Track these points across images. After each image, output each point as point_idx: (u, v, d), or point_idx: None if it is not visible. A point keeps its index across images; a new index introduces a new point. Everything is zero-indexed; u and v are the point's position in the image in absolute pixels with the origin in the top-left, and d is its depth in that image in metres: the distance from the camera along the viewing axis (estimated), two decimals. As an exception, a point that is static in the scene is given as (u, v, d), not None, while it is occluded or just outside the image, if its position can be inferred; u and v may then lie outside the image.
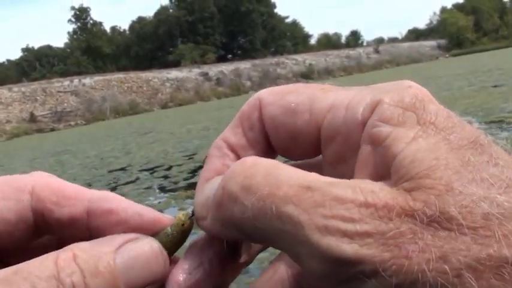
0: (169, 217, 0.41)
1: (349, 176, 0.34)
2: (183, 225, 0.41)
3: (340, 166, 0.37)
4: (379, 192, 0.31)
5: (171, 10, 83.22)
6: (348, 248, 0.30)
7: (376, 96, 0.35)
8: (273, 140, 0.41)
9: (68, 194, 0.41)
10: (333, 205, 0.31)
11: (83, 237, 0.40)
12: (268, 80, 56.74)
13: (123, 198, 0.41)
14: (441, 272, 0.28)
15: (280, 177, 0.34)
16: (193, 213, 0.41)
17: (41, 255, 0.37)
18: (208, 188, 0.39)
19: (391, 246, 0.29)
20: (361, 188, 0.31)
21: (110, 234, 0.39)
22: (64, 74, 63.19)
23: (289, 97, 0.40)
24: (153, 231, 0.40)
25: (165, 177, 10.25)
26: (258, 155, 0.39)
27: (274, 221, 0.32)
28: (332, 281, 0.31)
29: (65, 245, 0.38)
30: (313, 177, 0.33)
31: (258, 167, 0.35)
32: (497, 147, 0.33)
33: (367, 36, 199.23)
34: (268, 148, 0.41)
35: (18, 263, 0.36)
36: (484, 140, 0.33)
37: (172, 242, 0.41)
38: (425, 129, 0.33)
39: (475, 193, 0.29)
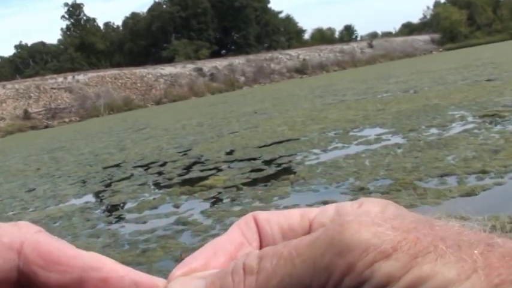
0: (163, 281, 0.40)
1: None
2: None
3: None
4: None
5: (164, 6, 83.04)
6: (366, 233, 0.33)
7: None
8: (265, 240, 0.42)
9: (58, 259, 0.39)
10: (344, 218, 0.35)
11: None
12: (262, 75, 56.75)
13: (118, 264, 0.40)
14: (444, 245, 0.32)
15: (283, 245, 0.37)
16: None
17: None
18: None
19: (402, 232, 0.33)
20: None
21: None
22: (58, 70, 63.07)
23: (279, 211, 0.44)
24: None
25: (160, 173, 10.27)
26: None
27: (296, 259, 0.34)
28: (360, 267, 0.33)
29: None
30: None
31: (263, 250, 0.38)
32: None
33: (361, 31, 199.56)
34: (260, 248, 0.42)
35: None
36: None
37: None
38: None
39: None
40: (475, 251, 0.32)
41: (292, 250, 0.35)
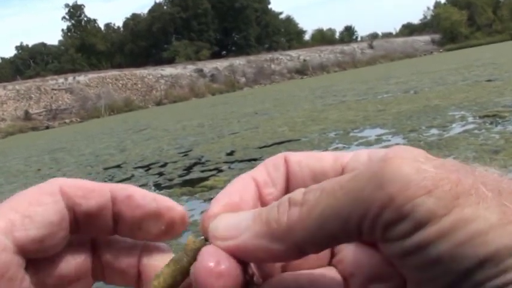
0: (180, 207, 0.46)
1: None
2: (198, 249, 0.41)
3: None
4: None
5: (165, 7, 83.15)
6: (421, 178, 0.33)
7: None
8: (295, 183, 0.44)
9: (92, 188, 0.43)
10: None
11: (108, 227, 0.44)
12: (262, 76, 56.78)
13: (139, 188, 0.45)
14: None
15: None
16: (206, 239, 0.42)
17: (77, 253, 0.44)
18: (239, 217, 0.41)
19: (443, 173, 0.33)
20: None
21: (131, 217, 0.43)
22: (58, 71, 63.14)
23: (313, 152, 0.45)
24: (167, 216, 0.45)
25: (160, 174, 10.27)
26: (277, 195, 0.44)
27: (339, 199, 0.35)
28: (411, 222, 0.33)
29: (96, 241, 0.45)
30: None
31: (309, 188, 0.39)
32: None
33: (361, 31, 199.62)
34: (287, 192, 0.43)
35: (57, 263, 0.42)
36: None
37: (188, 268, 0.42)
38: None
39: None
40: None
41: (335, 184, 0.35)
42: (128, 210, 0.44)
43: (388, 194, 0.32)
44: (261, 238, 0.38)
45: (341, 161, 0.43)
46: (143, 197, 0.44)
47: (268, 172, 0.45)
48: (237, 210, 0.42)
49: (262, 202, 0.44)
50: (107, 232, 0.45)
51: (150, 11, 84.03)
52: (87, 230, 0.44)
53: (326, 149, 9.91)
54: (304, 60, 62.03)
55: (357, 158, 0.42)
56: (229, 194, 0.44)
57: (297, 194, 0.37)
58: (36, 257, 0.41)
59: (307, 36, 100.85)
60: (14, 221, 0.40)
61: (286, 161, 0.45)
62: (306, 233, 0.36)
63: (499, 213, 0.31)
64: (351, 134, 11.09)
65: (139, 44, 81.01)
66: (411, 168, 0.33)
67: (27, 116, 42.50)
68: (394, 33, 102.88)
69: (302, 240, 0.36)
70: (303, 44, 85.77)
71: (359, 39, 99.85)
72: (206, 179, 8.93)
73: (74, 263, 0.43)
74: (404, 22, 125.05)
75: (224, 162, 10.27)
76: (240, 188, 0.44)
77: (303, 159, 0.44)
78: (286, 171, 0.44)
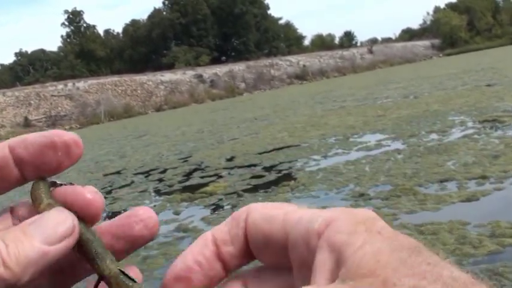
0: (71, 133, 0.50)
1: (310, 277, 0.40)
2: None
3: (304, 271, 0.42)
4: None
5: (164, 13, 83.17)
6: None
7: (333, 214, 0.41)
8: (250, 242, 0.46)
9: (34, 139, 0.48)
10: None
11: (14, 175, 0.48)
12: (262, 81, 56.77)
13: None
14: None
15: None
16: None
17: None
18: None
19: None
20: None
21: (29, 156, 0.47)
22: (58, 78, 63.09)
23: (271, 208, 0.46)
24: (59, 142, 0.48)
25: (160, 180, 10.28)
26: (236, 252, 0.46)
27: None
28: None
29: None
30: None
31: None
32: (431, 252, 0.38)
33: (361, 36, 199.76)
34: (245, 249, 0.46)
35: None
36: (421, 247, 0.38)
37: None
38: (371, 236, 0.38)
39: (408, 284, 0.34)
40: None
41: None
42: (25, 151, 0.46)
43: None
44: None
45: (288, 226, 0.44)
46: (34, 135, 0.47)
47: (229, 229, 0.46)
48: (190, 277, 0.45)
49: (221, 260, 0.46)
50: (16, 181, 0.47)
51: (149, 17, 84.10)
52: None
53: (326, 155, 9.93)
54: (304, 66, 62.02)
55: (298, 228, 0.43)
56: (185, 257, 0.46)
57: None
58: None
59: (306, 42, 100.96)
60: None
61: (246, 219, 0.46)
62: None
63: None
64: (351, 140, 11.10)
65: (138, 49, 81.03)
66: None
67: (26, 123, 42.48)
68: (393, 38, 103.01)
69: None
70: (303, 50, 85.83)
71: (358, 44, 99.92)
72: (206, 185, 8.94)
73: None
74: (404, 27, 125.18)
75: (224, 168, 10.27)
76: (198, 249, 0.46)
77: (258, 219, 0.46)
78: (244, 230, 0.46)
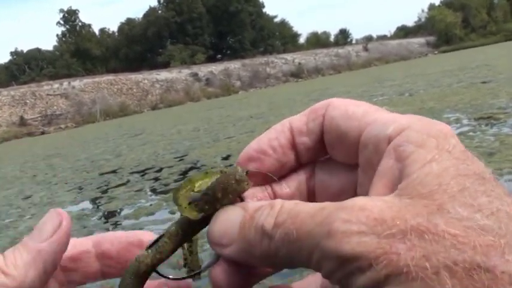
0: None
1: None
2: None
3: (369, 172, 0.43)
4: (379, 205, 0.37)
5: (159, 11, 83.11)
6: (347, 247, 0.36)
7: (408, 122, 0.42)
8: (326, 136, 0.48)
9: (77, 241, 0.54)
10: (337, 214, 0.37)
11: (95, 269, 0.53)
12: (258, 79, 56.80)
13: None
14: (422, 267, 0.34)
15: (298, 208, 0.40)
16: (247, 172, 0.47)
17: None
18: (230, 219, 0.45)
19: (384, 244, 0.35)
20: (363, 202, 0.38)
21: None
22: (53, 77, 63.04)
23: (350, 105, 0.47)
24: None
25: (156, 179, 10.25)
26: (310, 144, 0.49)
27: (295, 243, 0.39)
28: (338, 276, 0.37)
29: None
30: (325, 204, 0.40)
31: (283, 207, 0.42)
32: (496, 182, 0.38)
33: (356, 34, 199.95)
34: (320, 142, 0.49)
35: None
36: (487, 174, 0.38)
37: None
38: (441, 154, 0.38)
39: (461, 214, 0.34)
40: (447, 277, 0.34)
41: (295, 229, 0.39)
42: (111, 247, 0.51)
43: (330, 268, 0.37)
44: (244, 254, 0.43)
45: (361, 127, 0.45)
46: (121, 233, 0.52)
47: (306, 121, 0.49)
48: (263, 159, 0.48)
49: (295, 149, 0.49)
50: (93, 275, 0.53)
51: (144, 16, 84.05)
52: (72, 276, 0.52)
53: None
54: (299, 64, 62.07)
55: (371, 129, 0.44)
56: (260, 140, 0.49)
57: (267, 224, 0.41)
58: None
59: (302, 40, 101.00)
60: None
61: (324, 113, 0.48)
62: (275, 261, 0.41)
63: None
64: (347, 137, 11.10)
65: (134, 48, 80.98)
66: (350, 244, 0.36)
67: (22, 122, 42.45)
68: (388, 35, 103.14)
69: (271, 264, 0.43)
70: (298, 47, 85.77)
71: (354, 42, 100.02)
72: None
73: None
74: (399, 24, 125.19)
75: (220, 167, 10.26)
76: (275, 134, 0.49)
77: (336, 115, 0.47)
78: (321, 124, 0.48)
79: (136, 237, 0.51)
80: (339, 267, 0.36)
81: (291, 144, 0.49)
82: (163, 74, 55.01)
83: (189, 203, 0.47)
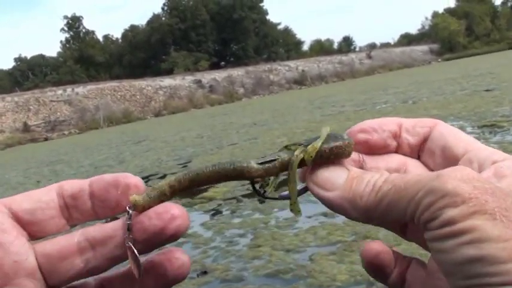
0: (136, 177, 0.56)
1: None
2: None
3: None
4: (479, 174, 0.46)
5: (163, 18, 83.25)
6: (450, 185, 0.44)
7: (509, 156, 0.53)
8: (428, 144, 0.57)
9: (77, 181, 0.57)
10: (445, 170, 0.46)
11: (88, 208, 0.56)
12: (261, 86, 56.78)
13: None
14: (505, 213, 0.41)
15: (405, 175, 0.49)
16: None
17: None
18: (337, 171, 0.53)
19: (477, 192, 0.43)
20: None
21: (98, 191, 0.54)
22: (57, 83, 63.04)
23: (457, 130, 0.58)
24: (123, 182, 0.54)
25: (160, 185, 10.24)
26: (411, 142, 0.58)
27: (401, 192, 0.47)
28: (435, 208, 0.44)
29: None
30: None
31: (392, 175, 0.50)
32: None
33: (360, 42, 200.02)
34: (417, 145, 0.58)
35: None
36: None
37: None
38: None
39: None
40: None
41: (402, 183, 0.47)
42: (96, 186, 0.54)
43: (429, 201, 0.43)
44: (344, 201, 0.50)
45: (469, 148, 0.55)
46: (108, 175, 0.55)
47: (415, 124, 0.57)
48: (373, 134, 0.57)
49: (397, 141, 0.58)
50: (89, 215, 0.55)
51: (148, 22, 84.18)
52: (74, 213, 0.55)
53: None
54: (303, 71, 62.03)
55: (480, 155, 0.54)
56: (374, 121, 0.58)
57: (379, 181, 0.49)
58: (34, 231, 0.54)
59: (305, 47, 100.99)
60: (15, 198, 0.56)
61: (432, 128, 0.57)
62: (375, 213, 0.48)
63: (500, 231, 0.41)
64: (350, 145, 11.08)
65: (137, 55, 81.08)
66: (452, 185, 0.43)
67: (26, 128, 42.48)
68: (392, 43, 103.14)
69: (371, 216, 0.49)
70: (301, 55, 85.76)
71: (357, 49, 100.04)
72: (205, 190, 8.92)
73: None
74: (403, 32, 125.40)
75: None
76: (385, 122, 0.57)
77: (445, 132, 0.56)
78: (427, 135, 0.57)
79: (115, 178, 0.54)
80: (438, 200, 0.43)
81: (395, 136, 0.57)
82: (167, 81, 55.01)
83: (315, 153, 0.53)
